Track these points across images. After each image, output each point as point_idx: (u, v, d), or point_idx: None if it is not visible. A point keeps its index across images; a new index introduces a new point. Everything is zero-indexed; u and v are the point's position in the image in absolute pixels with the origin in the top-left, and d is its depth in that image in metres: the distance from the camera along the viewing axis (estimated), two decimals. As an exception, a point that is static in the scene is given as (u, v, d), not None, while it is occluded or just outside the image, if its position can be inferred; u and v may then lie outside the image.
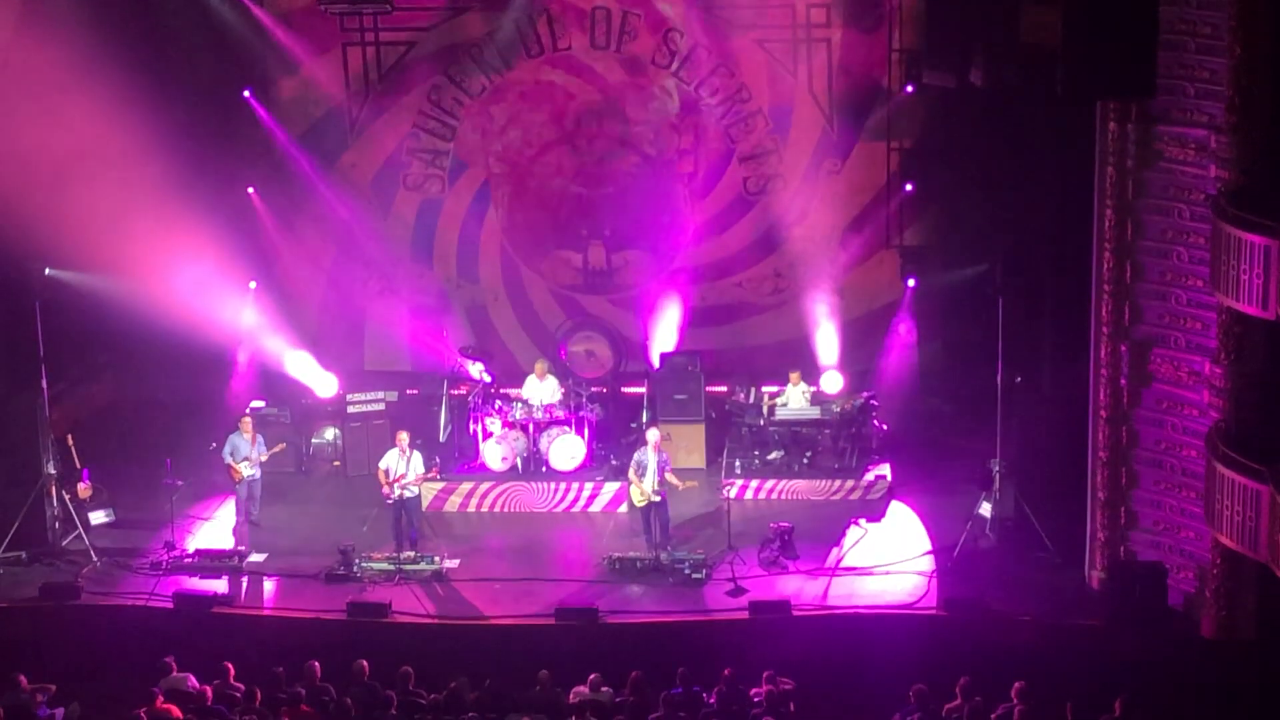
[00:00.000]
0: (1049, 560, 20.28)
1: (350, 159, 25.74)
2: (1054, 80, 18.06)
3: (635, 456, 21.05)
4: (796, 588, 20.04)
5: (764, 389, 23.74)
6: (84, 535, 21.20)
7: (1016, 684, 16.84)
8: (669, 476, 20.74)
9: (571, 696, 17.37)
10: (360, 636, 19.17)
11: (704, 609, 19.72)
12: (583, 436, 22.94)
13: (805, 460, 23.00)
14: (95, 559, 20.88)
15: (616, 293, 26.11)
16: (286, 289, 25.81)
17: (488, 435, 23.08)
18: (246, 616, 19.90)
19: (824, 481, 22.63)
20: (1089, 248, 19.18)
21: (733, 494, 21.76)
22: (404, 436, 21.17)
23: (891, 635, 19.12)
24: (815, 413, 23.13)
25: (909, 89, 24.17)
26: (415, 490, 21.08)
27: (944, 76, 22.86)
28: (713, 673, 17.52)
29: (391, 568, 20.48)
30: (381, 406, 23.72)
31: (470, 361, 23.94)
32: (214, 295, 23.58)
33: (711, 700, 17.23)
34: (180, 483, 21.80)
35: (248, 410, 22.94)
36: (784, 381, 23.48)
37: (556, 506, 22.58)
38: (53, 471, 21.13)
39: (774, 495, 22.62)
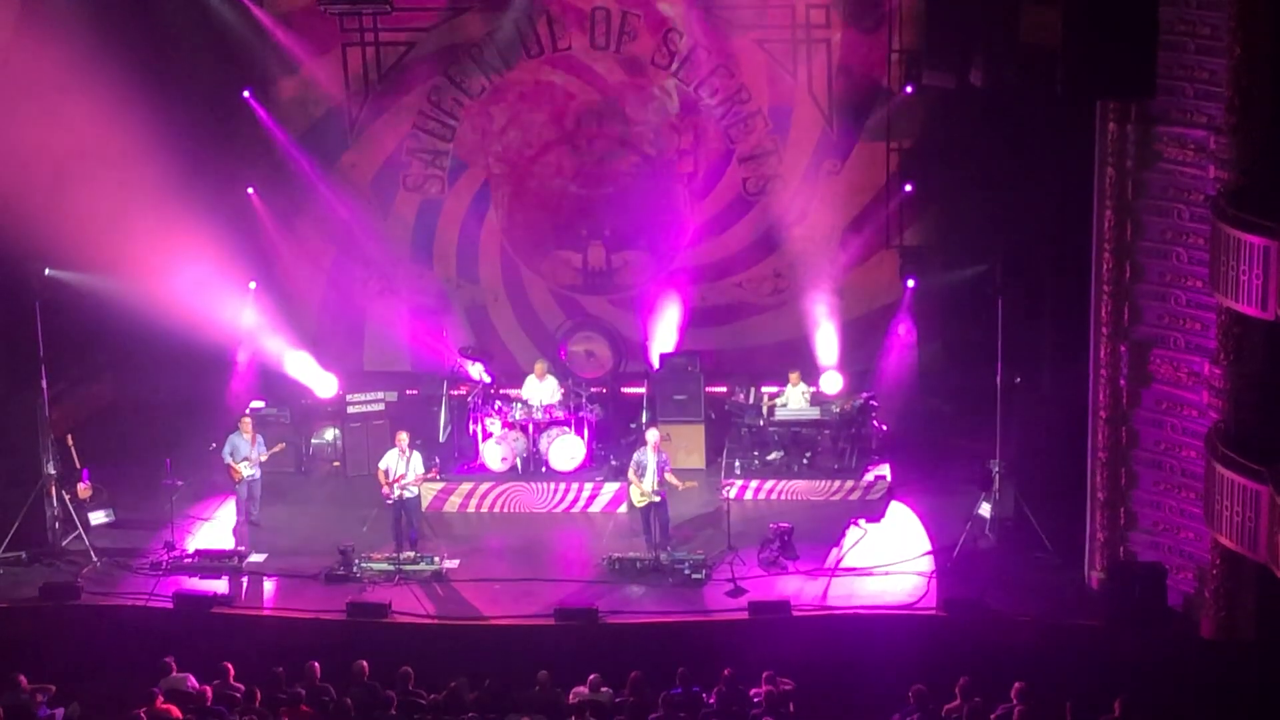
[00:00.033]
0: (1048, 561, 20.27)
1: (350, 159, 25.74)
2: (1054, 80, 18.07)
3: (635, 457, 21.05)
4: (796, 588, 20.04)
5: (764, 389, 23.75)
6: (84, 535, 21.19)
7: (1016, 684, 16.84)
8: (669, 477, 20.74)
9: (571, 697, 17.37)
10: (360, 637, 19.17)
11: (704, 609, 19.71)
12: (582, 437, 22.94)
13: (805, 461, 23.00)
14: (95, 559, 20.88)
15: (616, 293, 26.11)
16: (286, 289, 25.82)
17: (487, 435, 23.08)
18: (246, 617, 19.90)
19: (823, 482, 22.64)
20: (1089, 248, 19.18)
21: (732, 494, 21.74)
22: (404, 437, 21.17)
23: (891, 635, 19.12)
24: (815, 413, 23.13)
25: (909, 89, 24.19)
26: (415, 490, 21.08)
27: (944, 76, 22.89)
28: (712, 673, 17.52)
29: (391, 568, 20.48)
30: (381, 407, 23.72)
31: (470, 362, 23.94)
32: (214, 295, 23.58)
33: (711, 700, 17.23)
34: (180, 483, 21.80)
35: (247, 410, 22.96)
36: (783, 382, 23.48)
37: (556, 507, 22.58)
38: (53, 472, 21.13)
39: (774, 496, 22.62)
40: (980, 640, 18.79)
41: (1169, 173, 18.40)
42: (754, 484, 22.66)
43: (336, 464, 23.90)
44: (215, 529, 22.01)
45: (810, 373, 23.79)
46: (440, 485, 22.43)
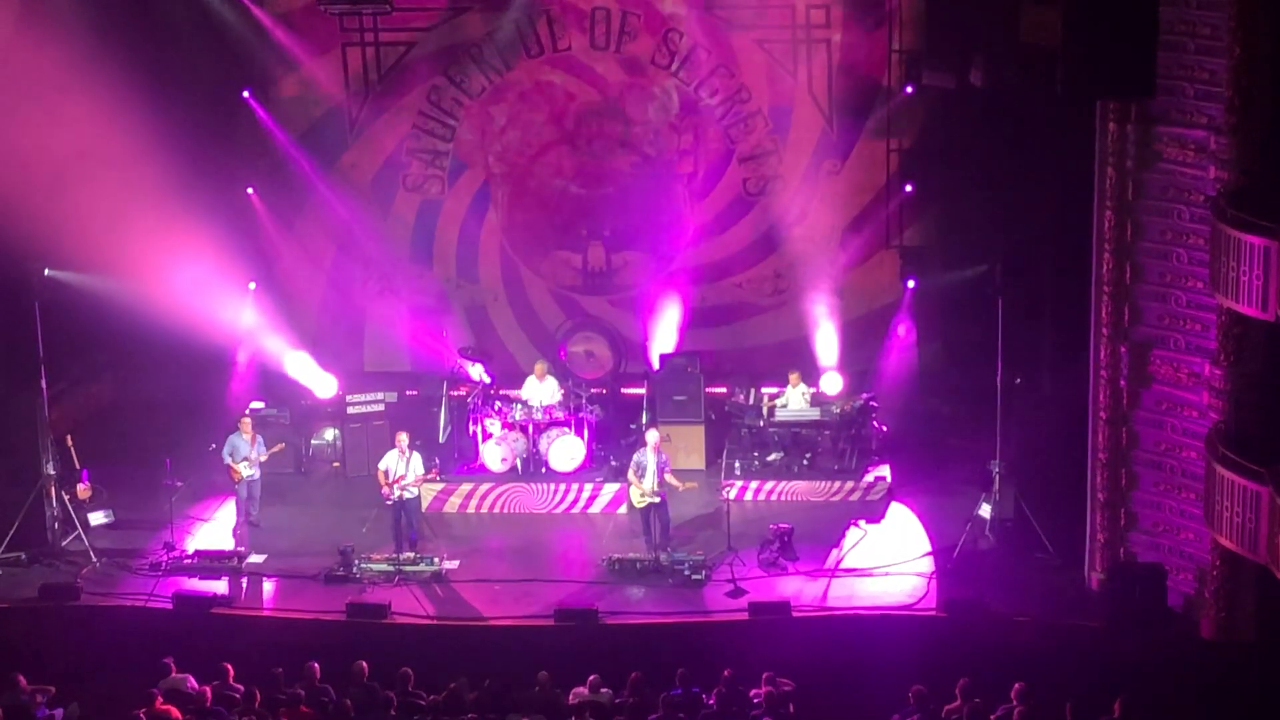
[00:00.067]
0: (1048, 561, 20.26)
1: (350, 159, 25.74)
2: (1054, 80, 18.06)
3: (634, 457, 21.04)
4: (796, 589, 20.03)
5: (764, 390, 23.75)
6: (83, 536, 21.18)
7: (1016, 685, 16.83)
8: (669, 477, 20.73)
9: (571, 697, 17.37)
10: (360, 637, 19.16)
11: (704, 610, 19.71)
12: (582, 437, 22.93)
13: (805, 461, 22.99)
14: (95, 560, 20.87)
15: (616, 293, 26.11)
16: (286, 289, 25.83)
17: (487, 436, 23.07)
18: (246, 617, 19.89)
19: (824, 483, 22.62)
20: (1089, 248, 19.17)
21: (732, 495, 21.72)
22: (403, 437, 21.16)
23: (891, 636, 19.10)
24: (815, 414, 23.12)
25: (909, 89, 24.19)
26: (415, 491, 21.07)
27: (944, 77, 22.91)
28: (712, 674, 17.50)
29: (391, 569, 20.47)
30: (381, 407, 23.71)
31: (470, 362, 23.93)
32: (214, 295, 23.58)
33: (711, 701, 17.22)
34: (180, 483, 21.80)
35: (247, 411, 22.95)
36: (783, 382, 23.47)
37: (556, 508, 22.57)
38: (52, 472, 21.12)
39: (774, 496, 22.61)
40: (980, 641, 18.78)
41: (1169, 173, 18.40)
42: (754, 485, 22.65)
43: (336, 464, 23.89)
44: (215, 529, 22.00)
45: (810, 373, 23.79)
46: (440, 486, 22.42)
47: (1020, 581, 19.95)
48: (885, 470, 22.74)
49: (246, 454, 21.48)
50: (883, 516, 22.02)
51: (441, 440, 23.78)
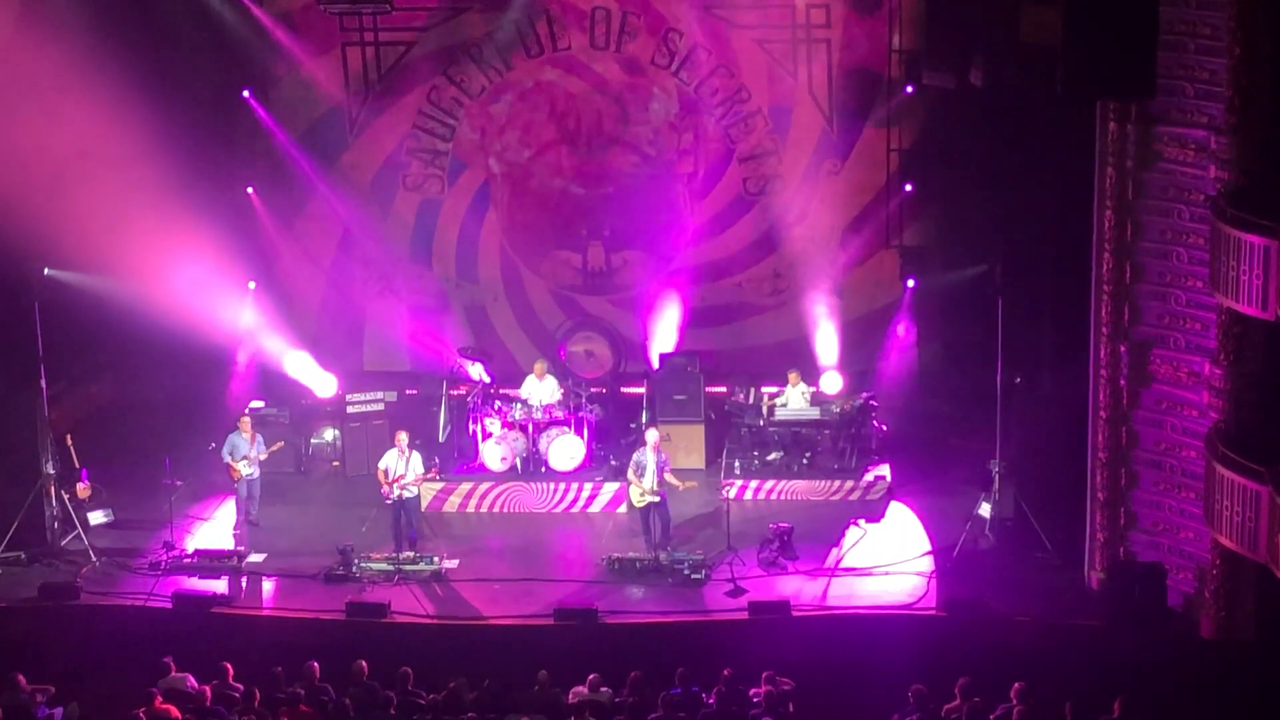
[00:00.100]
0: (1048, 561, 20.26)
1: (350, 159, 25.74)
2: (1054, 80, 18.05)
3: (634, 457, 21.05)
4: (796, 588, 20.03)
5: (763, 389, 23.74)
6: (83, 535, 21.18)
7: (1016, 684, 16.82)
8: (668, 477, 20.73)
9: (571, 697, 17.37)
10: (359, 637, 19.16)
11: (703, 609, 19.71)
12: (582, 437, 22.93)
13: (805, 461, 23.00)
14: (94, 559, 20.87)
15: (616, 293, 26.10)
16: (286, 289, 25.83)
17: (487, 435, 23.07)
18: (245, 617, 19.89)
19: (823, 482, 22.63)
20: (1089, 248, 19.17)
21: (732, 494, 21.71)
22: (403, 437, 21.16)
23: (891, 636, 19.10)
24: (815, 413, 23.12)
25: (909, 89, 24.18)
26: (414, 490, 21.07)
27: (944, 77, 22.90)
28: (712, 673, 17.50)
29: (391, 568, 20.47)
30: (381, 407, 23.71)
31: (469, 362, 23.95)
32: (213, 295, 23.58)
33: (711, 700, 17.21)
34: (179, 483, 21.81)
35: (247, 410, 22.95)
36: (783, 382, 23.47)
37: (556, 507, 22.57)
38: (52, 472, 21.12)
39: (773, 496, 22.61)
40: (980, 640, 18.78)
41: (1169, 173, 18.40)
42: (754, 484, 22.65)
43: (336, 464, 23.88)
44: (214, 529, 22.00)
45: (810, 373, 23.79)
46: (440, 485, 22.42)
47: (1020, 581, 19.95)
48: (885, 470, 22.74)
49: (246, 453, 21.49)
50: (882, 516, 22.03)
51: (441, 439, 23.79)
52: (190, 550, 21.07)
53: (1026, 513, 20.44)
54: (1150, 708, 16.92)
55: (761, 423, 23.19)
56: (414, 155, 25.77)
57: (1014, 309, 20.75)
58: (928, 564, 20.57)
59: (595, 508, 22.49)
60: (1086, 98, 18.49)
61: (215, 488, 22.63)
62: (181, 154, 22.94)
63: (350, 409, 23.65)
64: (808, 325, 24.66)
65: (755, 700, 17.16)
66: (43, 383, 21.13)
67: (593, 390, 24.06)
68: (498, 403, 23.17)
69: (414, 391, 24.41)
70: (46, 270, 21.23)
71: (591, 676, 17.54)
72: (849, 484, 22.56)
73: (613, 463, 22.85)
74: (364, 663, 17.65)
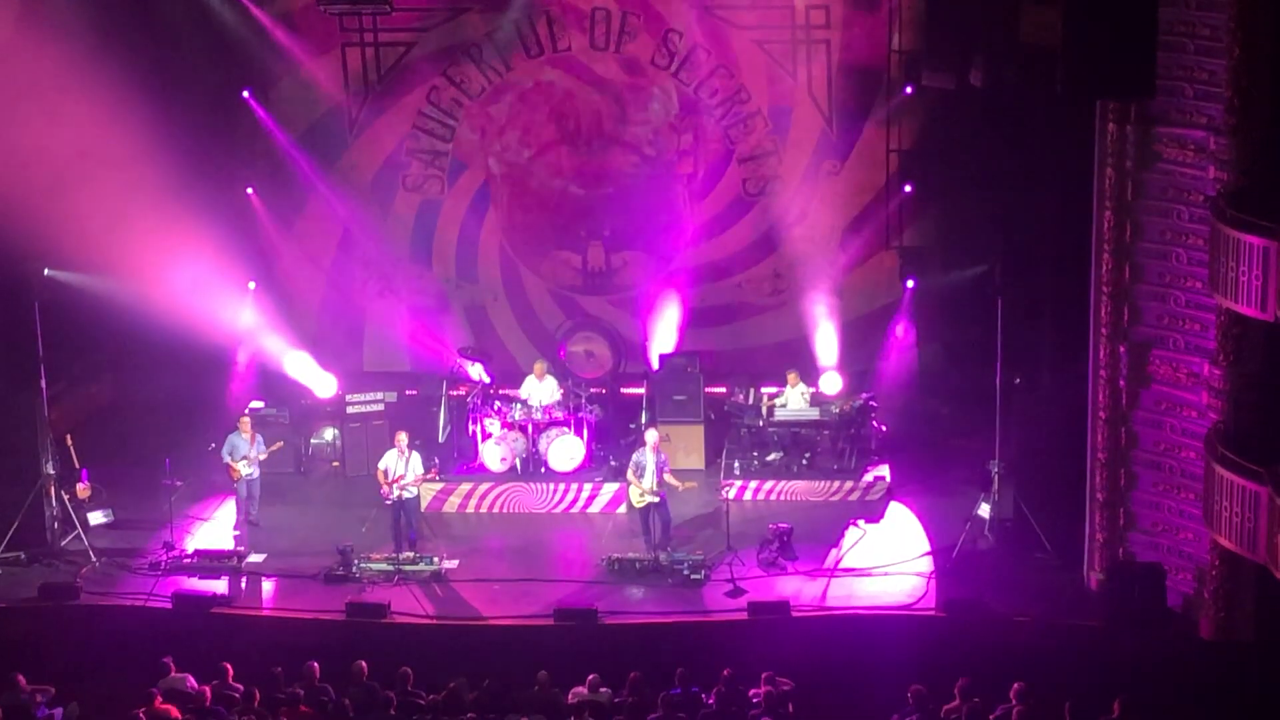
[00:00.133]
0: (1048, 561, 20.26)
1: (350, 159, 25.74)
2: (1054, 80, 18.06)
3: (634, 457, 21.05)
4: (795, 589, 20.03)
5: (763, 390, 23.74)
6: (83, 535, 21.18)
7: (1015, 685, 16.83)
8: (668, 477, 20.73)
9: (570, 697, 17.37)
10: (359, 637, 19.16)
11: (703, 610, 19.71)
12: (582, 437, 22.93)
13: (804, 461, 23.00)
14: (94, 559, 20.87)
15: (616, 293, 26.11)
16: (286, 289, 25.83)
17: (487, 436, 23.07)
18: (245, 617, 19.89)
19: (823, 482, 22.63)
20: (1088, 249, 19.18)
21: (731, 495, 21.70)
22: (403, 437, 21.16)
23: (890, 636, 19.11)
24: (814, 414, 23.12)
25: (909, 89, 24.18)
26: (414, 491, 21.07)
27: (944, 77, 22.90)
28: (712, 673, 17.49)
29: (390, 568, 20.47)
30: (380, 407, 23.71)
31: (469, 362, 23.95)
32: (213, 295, 23.57)
33: (710, 701, 17.21)
34: (179, 483, 21.79)
35: (247, 410, 22.95)
36: (783, 382, 23.46)
37: (555, 507, 22.57)
38: (52, 472, 21.12)
39: (773, 496, 22.61)
40: (979, 640, 18.78)
41: (1169, 173, 18.40)
42: (753, 484, 22.65)
43: (336, 464, 23.89)
44: (214, 529, 22.01)
45: (810, 373, 23.79)
46: (439, 486, 22.42)
47: (1019, 581, 19.95)
48: (884, 470, 22.74)
49: (246, 453, 21.50)
50: (882, 516, 22.03)
51: (441, 440, 23.79)
52: (190, 550, 21.07)
53: (1026, 513, 20.44)
54: (1149, 708, 16.92)
55: (761, 423, 23.19)
56: (414, 155, 25.78)
57: (1013, 309, 20.76)
58: (927, 564, 20.58)
59: (595, 508, 22.49)
60: (1086, 98, 18.50)
61: (215, 488, 22.63)
62: (181, 154, 22.94)
63: (350, 409, 23.65)
64: (807, 325, 24.66)
65: (755, 700, 17.16)
66: (43, 383, 21.15)
67: (592, 391, 24.06)
68: (497, 403, 23.17)
69: (414, 392, 24.41)
70: (46, 270, 21.26)
71: (591, 677, 17.55)
72: (848, 484, 22.56)
73: (612, 463, 22.85)
74: (364, 663, 17.65)
